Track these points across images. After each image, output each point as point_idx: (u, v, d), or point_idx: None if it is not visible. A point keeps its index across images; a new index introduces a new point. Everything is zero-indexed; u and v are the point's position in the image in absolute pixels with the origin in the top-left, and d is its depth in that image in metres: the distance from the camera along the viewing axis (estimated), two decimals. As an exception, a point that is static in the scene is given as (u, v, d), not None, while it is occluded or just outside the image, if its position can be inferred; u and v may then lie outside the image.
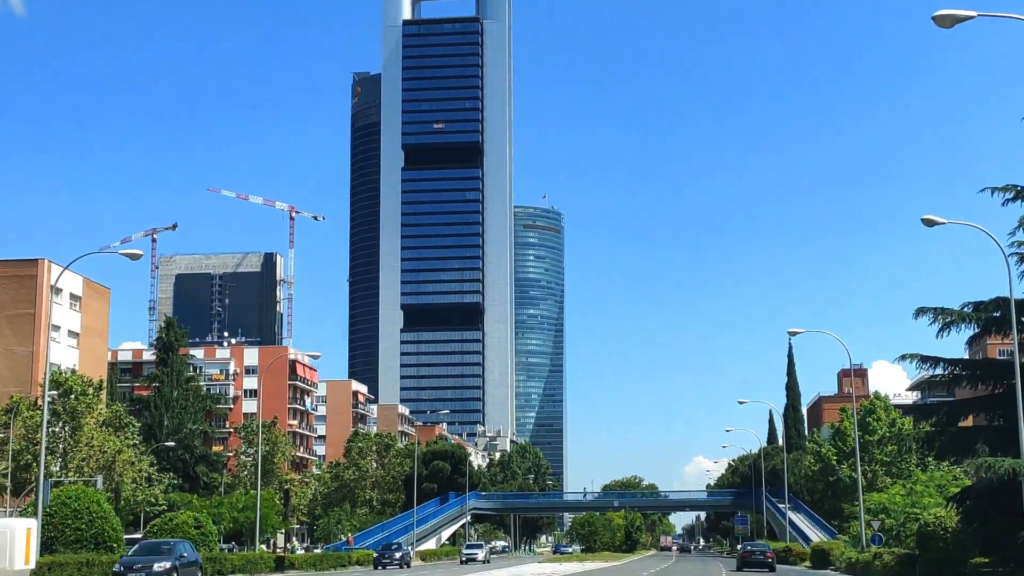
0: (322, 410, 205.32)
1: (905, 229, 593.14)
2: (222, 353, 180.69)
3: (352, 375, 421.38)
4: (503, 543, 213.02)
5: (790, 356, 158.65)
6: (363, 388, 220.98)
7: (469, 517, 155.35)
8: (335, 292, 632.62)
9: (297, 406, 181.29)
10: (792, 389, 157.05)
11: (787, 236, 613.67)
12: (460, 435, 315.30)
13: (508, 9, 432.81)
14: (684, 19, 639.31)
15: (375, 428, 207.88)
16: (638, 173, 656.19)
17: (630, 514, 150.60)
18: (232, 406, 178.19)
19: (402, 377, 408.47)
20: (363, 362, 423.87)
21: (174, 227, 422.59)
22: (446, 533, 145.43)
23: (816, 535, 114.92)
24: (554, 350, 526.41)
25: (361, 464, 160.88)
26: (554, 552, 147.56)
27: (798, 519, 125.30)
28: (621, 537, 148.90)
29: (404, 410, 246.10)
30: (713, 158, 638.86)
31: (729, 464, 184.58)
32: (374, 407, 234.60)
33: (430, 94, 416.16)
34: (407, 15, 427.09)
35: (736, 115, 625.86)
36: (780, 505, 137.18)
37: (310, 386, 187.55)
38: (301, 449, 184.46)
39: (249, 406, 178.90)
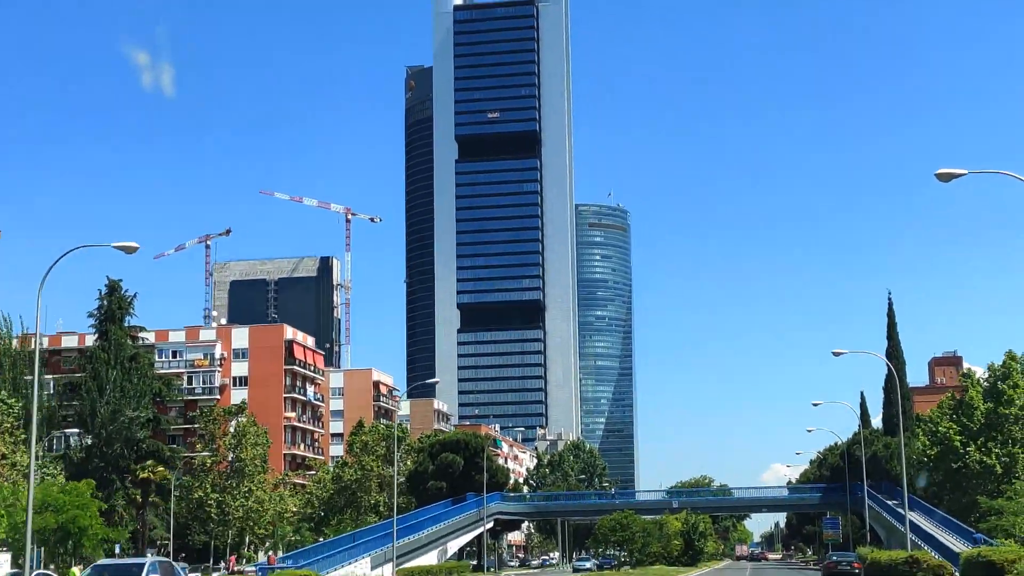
0: (337, 404, 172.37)
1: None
2: (206, 334, 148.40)
3: (410, 381, 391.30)
4: (548, 556, 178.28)
5: (890, 314, 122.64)
6: (388, 379, 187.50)
7: (491, 523, 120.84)
8: (393, 296, 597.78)
9: (297, 396, 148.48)
10: (895, 355, 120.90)
11: (867, 233, 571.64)
12: (516, 439, 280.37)
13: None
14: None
15: (407, 427, 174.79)
16: (708, 166, 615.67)
17: (692, 517, 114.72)
18: (219, 396, 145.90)
19: (460, 380, 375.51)
20: (422, 366, 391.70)
21: (228, 232, 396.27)
22: (455, 544, 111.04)
23: (948, 540, 79.85)
24: (623, 353, 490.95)
25: (366, 462, 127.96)
26: (574, 571, 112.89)
27: (918, 519, 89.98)
28: (678, 546, 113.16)
29: (442, 405, 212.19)
30: (789, 149, 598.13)
31: (817, 455, 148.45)
32: (406, 403, 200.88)
33: (484, 82, 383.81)
34: (458, 0, 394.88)
35: (816, 104, 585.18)
36: (890, 502, 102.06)
37: (314, 372, 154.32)
38: (302, 447, 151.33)
39: (239, 396, 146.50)
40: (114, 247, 43.11)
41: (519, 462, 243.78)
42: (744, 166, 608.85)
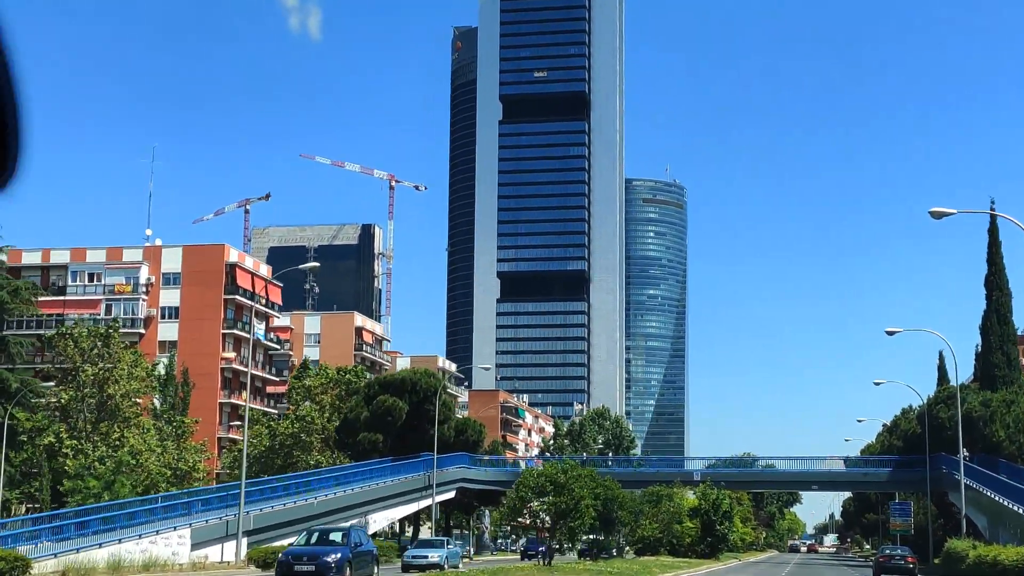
0: (313, 353, 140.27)
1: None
2: (131, 255, 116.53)
3: (450, 353, 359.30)
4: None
5: (992, 231, 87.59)
6: (375, 327, 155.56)
7: (452, 492, 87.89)
8: (436, 266, 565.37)
9: (240, 332, 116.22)
10: (997, 287, 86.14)
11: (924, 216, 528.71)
12: (558, 417, 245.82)
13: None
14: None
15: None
16: (768, 143, 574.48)
17: (712, 492, 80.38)
18: (143, 330, 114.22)
19: (498, 352, 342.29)
20: (462, 337, 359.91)
21: (267, 197, 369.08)
22: (385, 517, 78.25)
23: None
24: (675, 334, 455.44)
25: (306, 411, 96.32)
26: (523, 557, 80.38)
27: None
28: (692, 530, 79.11)
29: (445, 362, 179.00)
30: (851, 126, 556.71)
31: (883, 428, 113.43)
32: (401, 359, 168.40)
33: (531, 39, 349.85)
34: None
35: (880, 80, 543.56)
36: (1002, 477, 68.25)
37: (267, 307, 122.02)
38: (243, 395, 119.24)
39: (168, 330, 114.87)
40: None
41: (545, 435, 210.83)
42: (810, 141, 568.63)
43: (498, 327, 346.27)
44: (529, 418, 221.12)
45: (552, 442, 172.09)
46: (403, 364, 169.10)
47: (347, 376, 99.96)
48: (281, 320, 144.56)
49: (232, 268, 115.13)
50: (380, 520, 77.19)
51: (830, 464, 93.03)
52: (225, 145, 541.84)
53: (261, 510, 59.39)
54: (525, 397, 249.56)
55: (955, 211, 44.58)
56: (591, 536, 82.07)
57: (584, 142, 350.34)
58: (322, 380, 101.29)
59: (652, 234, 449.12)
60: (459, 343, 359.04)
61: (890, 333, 65.90)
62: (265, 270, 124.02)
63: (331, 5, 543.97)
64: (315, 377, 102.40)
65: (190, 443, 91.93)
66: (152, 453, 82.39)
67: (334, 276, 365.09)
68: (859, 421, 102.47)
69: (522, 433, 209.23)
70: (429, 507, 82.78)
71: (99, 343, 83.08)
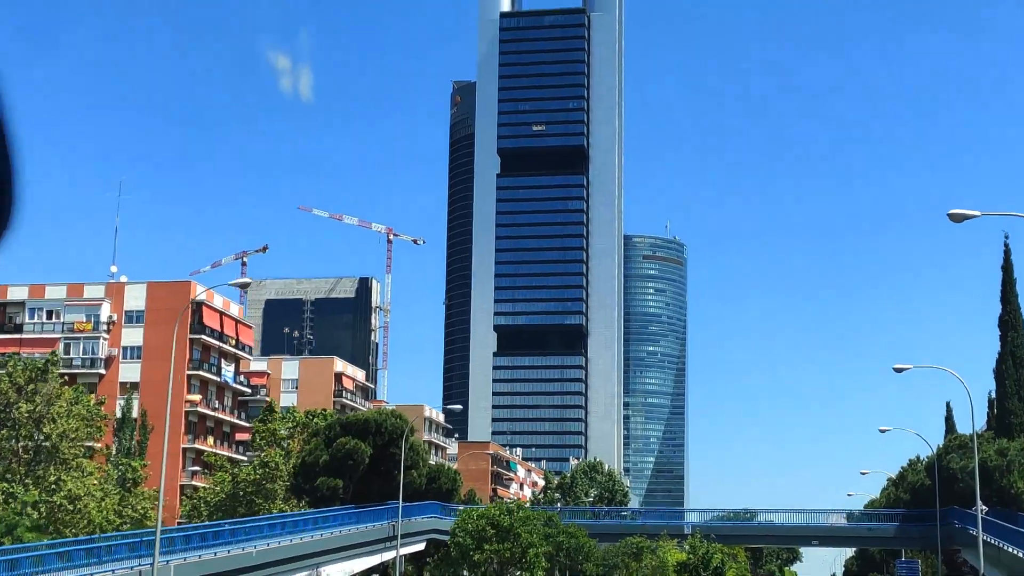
0: (290, 400, 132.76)
1: None
2: (93, 291, 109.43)
3: (447, 404, 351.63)
4: None
5: (1007, 266, 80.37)
6: (357, 373, 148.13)
7: (422, 544, 80.00)
8: (434, 320, 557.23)
9: (206, 374, 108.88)
10: (1012, 327, 78.77)
11: (928, 264, 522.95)
12: (557, 472, 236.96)
13: None
14: (822, 9, 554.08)
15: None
16: (769, 194, 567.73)
17: (703, 546, 72.13)
18: (103, 371, 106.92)
19: (494, 407, 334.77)
20: (458, 391, 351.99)
21: (264, 249, 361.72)
22: (340, 569, 70.16)
23: None
24: (675, 391, 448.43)
25: (270, 457, 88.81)
26: None
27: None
28: (675, 590, 71.07)
29: (433, 413, 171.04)
30: (856, 175, 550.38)
31: (888, 481, 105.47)
32: (387, 404, 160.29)
33: (530, 93, 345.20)
34: (505, 7, 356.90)
35: (882, 122, 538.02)
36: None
37: (236, 348, 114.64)
38: (212, 441, 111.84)
39: (130, 371, 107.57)
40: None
41: (538, 488, 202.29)
42: (809, 199, 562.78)
43: (494, 381, 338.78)
44: (521, 471, 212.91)
45: (542, 495, 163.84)
46: (371, 405, 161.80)
47: (315, 420, 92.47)
48: (257, 364, 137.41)
49: (199, 306, 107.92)
50: (335, 573, 69.27)
51: (832, 518, 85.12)
52: (223, 197, 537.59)
53: (185, 559, 51.77)
54: (519, 451, 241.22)
55: (978, 213, 38.59)
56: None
57: (582, 196, 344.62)
58: (289, 424, 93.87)
59: (652, 291, 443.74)
60: (455, 397, 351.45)
61: (898, 370, 59.09)
62: (236, 310, 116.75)
63: (331, 61, 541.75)
64: (281, 421, 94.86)
65: (142, 489, 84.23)
66: (92, 499, 74.58)
67: (330, 328, 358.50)
68: (863, 473, 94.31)
69: (513, 487, 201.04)
70: (394, 560, 74.91)
71: (35, 378, 75.61)
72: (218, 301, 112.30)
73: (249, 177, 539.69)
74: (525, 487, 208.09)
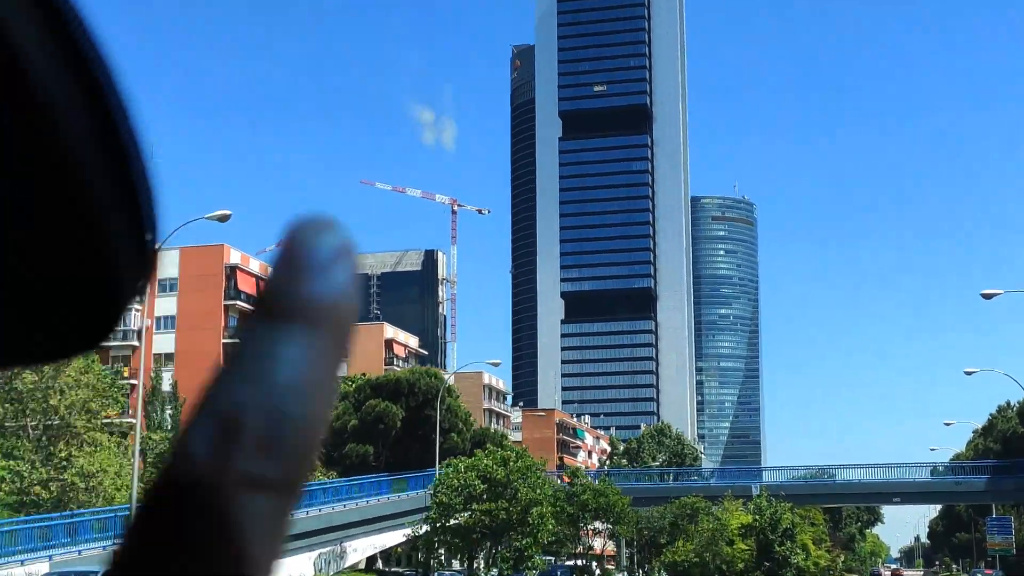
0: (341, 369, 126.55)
1: None
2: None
3: (516, 378, 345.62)
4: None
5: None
6: (410, 339, 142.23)
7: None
8: (502, 290, 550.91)
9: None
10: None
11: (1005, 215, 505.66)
12: (627, 441, 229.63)
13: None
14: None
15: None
16: (839, 147, 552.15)
17: (769, 507, 64.71)
18: (137, 343, 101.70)
19: (564, 376, 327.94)
20: (527, 361, 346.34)
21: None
22: (369, 543, 63.85)
23: None
24: (749, 354, 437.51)
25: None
26: None
27: None
28: (747, 554, 63.68)
29: (493, 380, 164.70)
30: (927, 131, 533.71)
31: (975, 432, 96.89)
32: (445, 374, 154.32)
33: (589, 53, 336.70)
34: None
35: (956, 64, 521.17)
36: None
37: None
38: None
39: (164, 342, 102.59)
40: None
41: (607, 456, 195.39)
42: (878, 153, 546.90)
43: (563, 349, 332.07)
44: (589, 439, 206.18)
45: (609, 461, 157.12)
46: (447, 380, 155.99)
47: (343, 383, 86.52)
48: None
49: (233, 271, 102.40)
50: (363, 547, 63.12)
51: (915, 473, 77.15)
52: (286, 173, 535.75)
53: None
54: (587, 419, 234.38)
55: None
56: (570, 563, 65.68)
57: (647, 156, 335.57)
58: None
59: (722, 252, 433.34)
60: (524, 367, 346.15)
61: (987, 296, 51.66)
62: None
63: (392, 27, 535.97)
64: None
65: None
66: (106, 475, 69.23)
67: (398, 303, 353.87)
68: (947, 424, 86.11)
69: (581, 455, 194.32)
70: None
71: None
72: (254, 265, 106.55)
73: (312, 152, 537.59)
74: (594, 455, 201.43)
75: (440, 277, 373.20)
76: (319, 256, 0.76)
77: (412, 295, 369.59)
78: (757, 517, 63.17)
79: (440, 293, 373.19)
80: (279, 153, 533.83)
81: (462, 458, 45.03)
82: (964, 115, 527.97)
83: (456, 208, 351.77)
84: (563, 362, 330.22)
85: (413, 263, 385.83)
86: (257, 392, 0.74)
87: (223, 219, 40.21)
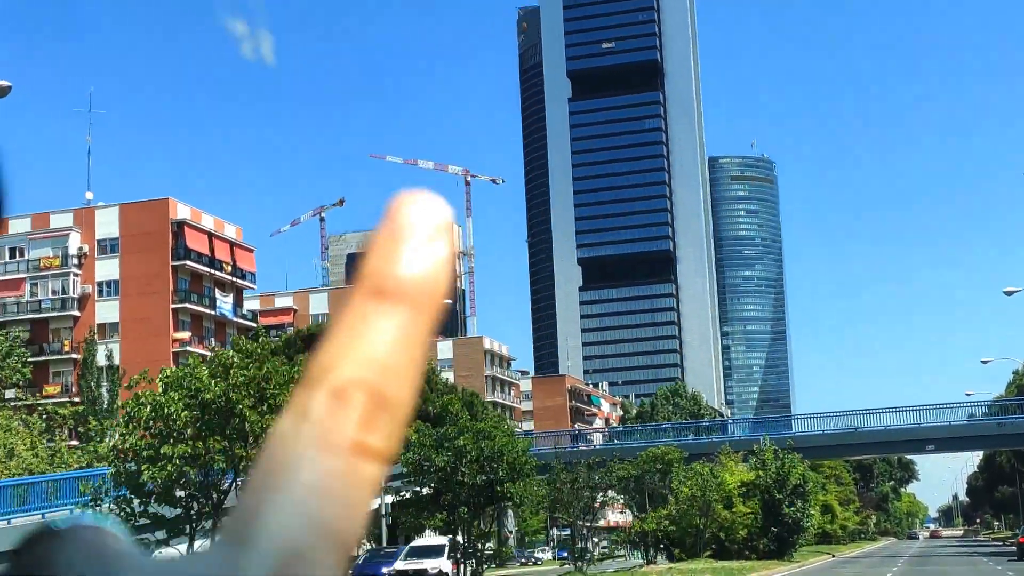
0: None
1: None
2: (60, 220, 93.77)
3: (536, 348, 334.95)
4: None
5: None
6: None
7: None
8: (519, 260, 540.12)
9: (195, 307, 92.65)
10: None
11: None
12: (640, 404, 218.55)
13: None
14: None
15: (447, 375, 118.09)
16: (859, 101, 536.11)
17: (776, 461, 53.45)
18: (78, 312, 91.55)
19: (584, 344, 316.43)
20: (547, 330, 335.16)
21: (341, 202, 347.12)
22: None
23: None
24: (775, 315, 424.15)
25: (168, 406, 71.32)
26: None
27: None
28: (748, 516, 52.57)
29: (496, 346, 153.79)
30: (950, 88, 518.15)
31: (1015, 372, 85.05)
32: (442, 342, 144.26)
33: (596, 9, 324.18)
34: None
35: (980, 19, 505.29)
36: None
37: (232, 275, 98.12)
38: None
39: (108, 310, 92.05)
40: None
41: (620, 421, 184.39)
42: (903, 105, 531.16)
43: (582, 316, 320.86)
44: (606, 406, 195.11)
45: (620, 426, 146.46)
46: (443, 348, 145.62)
47: (231, 357, 75.79)
48: (283, 300, 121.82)
49: (180, 227, 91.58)
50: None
51: (950, 415, 65.60)
52: (295, 153, 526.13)
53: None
54: (605, 386, 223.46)
55: None
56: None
57: (660, 114, 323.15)
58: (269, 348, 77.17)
59: (743, 213, 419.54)
60: (544, 336, 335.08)
61: (1008, 293, 39.89)
62: (232, 231, 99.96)
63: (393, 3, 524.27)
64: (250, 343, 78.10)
65: (100, 446, 68.47)
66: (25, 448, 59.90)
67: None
68: (983, 362, 74.80)
69: (597, 422, 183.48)
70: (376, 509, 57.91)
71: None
72: (207, 221, 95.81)
73: (320, 129, 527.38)
74: (612, 422, 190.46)
75: (457, 250, 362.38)
76: (421, 234, 0.88)
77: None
78: (761, 473, 52.03)
79: (458, 267, 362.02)
80: (281, 135, 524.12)
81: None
82: (993, 65, 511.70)
83: (469, 179, 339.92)
84: (583, 330, 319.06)
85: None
86: (365, 371, 0.87)
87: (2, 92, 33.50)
